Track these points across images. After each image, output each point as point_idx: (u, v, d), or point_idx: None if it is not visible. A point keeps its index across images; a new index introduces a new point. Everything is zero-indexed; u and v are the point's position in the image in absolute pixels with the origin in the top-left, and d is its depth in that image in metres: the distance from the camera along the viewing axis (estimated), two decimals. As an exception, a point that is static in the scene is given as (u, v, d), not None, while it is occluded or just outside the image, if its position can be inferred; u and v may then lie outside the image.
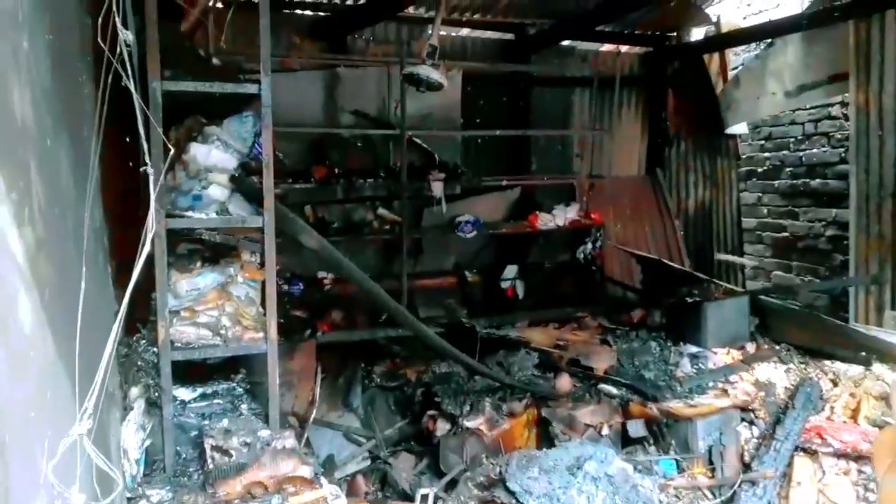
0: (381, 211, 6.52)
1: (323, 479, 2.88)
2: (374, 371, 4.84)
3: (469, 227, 6.57)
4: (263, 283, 3.16)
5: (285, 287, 5.73)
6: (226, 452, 2.63)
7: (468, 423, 4.08)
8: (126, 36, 1.65)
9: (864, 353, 4.51)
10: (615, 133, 7.50)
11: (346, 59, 6.43)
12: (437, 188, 6.45)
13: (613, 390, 4.36)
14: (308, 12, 6.32)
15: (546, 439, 4.14)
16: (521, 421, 4.20)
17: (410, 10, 6.11)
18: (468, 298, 6.67)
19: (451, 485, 3.88)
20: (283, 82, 6.14)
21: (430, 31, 4.87)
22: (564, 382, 4.44)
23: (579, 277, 7.01)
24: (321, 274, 6.04)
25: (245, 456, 2.65)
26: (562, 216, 6.90)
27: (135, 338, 3.01)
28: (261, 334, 3.05)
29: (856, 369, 4.41)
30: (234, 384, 3.26)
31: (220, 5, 5.42)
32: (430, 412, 4.23)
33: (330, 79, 6.47)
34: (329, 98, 6.52)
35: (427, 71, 4.24)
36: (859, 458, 3.61)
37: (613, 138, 7.50)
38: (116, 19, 1.62)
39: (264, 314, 3.09)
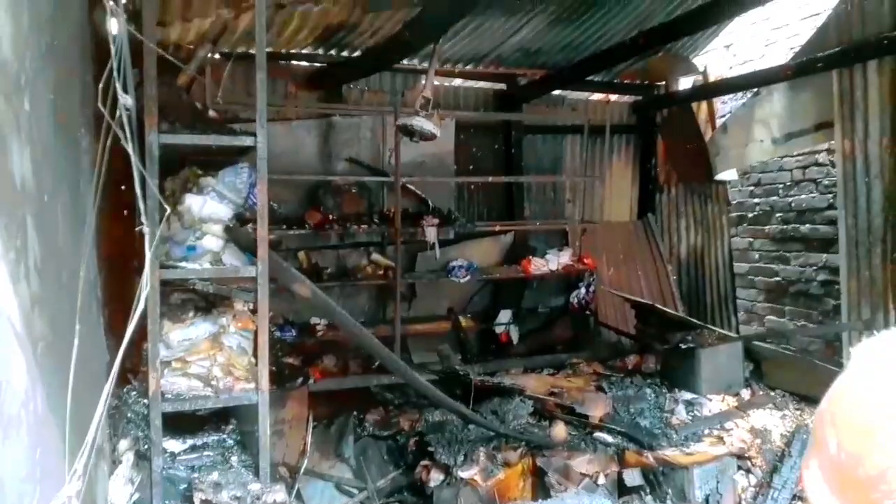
0: (375, 256, 6.55)
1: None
2: (366, 419, 4.79)
3: (462, 272, 6.60)
4: (256, 332, 3.16)
5: (278, 333, 5.71)
6: (215, 507, 2.59)
7: (462, 474, 4.02)
8: (126, 100, 1.69)
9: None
10: (606, 179, 7.61)
11: (341, 108, 6.54)
12: (431, 233, 6.49)
13: (609, 438, 4.32)
14: (304, 63, 6.45)
15: (542, 489, 4.09)
16: (516, 471, 4.15)
17: (404, 61, 6.25)
18: (462, 344, 6.65)
19: (445, 538, 3.82)
20: (280, 131, 6.25)
21: (423, 82, 4.98)
22: (559, 431, 4.39)
23: (573, 322, 7.02)
24: (314, 320, 6.03)
25: (234, 511, 2.61)
26: (555, 261, 6.94)
27: (125, 389, 2.99)
28: (252, 385, 3.04)
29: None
30: (225, 435, 3.22)
31: (217, 57, 5.59)
32: (424, 462, 4.18)
33: (325, 127, 6.57)
34: (324, 146, 6.61)
35: (420, 122, 4.32)
36: None
37: (605, 184, 7.61)
38: (117, 85, 1.67)
39: (256, 364, 3.08)
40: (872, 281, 5.56)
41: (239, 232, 3.37)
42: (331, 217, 6.21)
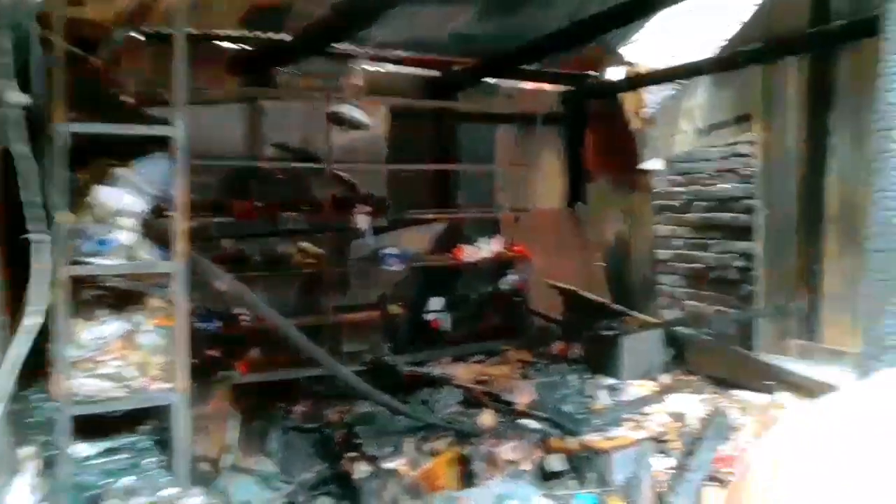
0: (304, 245, 6.44)
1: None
2: (293, 412, 4.73)
3: (394, 260, 6.58)
4: (174, 329, 3.06)
5: (199, 325, 5.57)
6: (127, 513, 2.51)
7: (389, 465, 4.03)
8: (20, 98, 1.59)
9: (768, 383, 4.73)
10: (538, 168, 7.71)
11: (270, 92, 6.38)
12: (363, 221, 6.44)
13: (534, 425, 4.41)
14: (232, 45, 6.24)
15: (468, 478, 4.13)
16: (443, 460, 4.18)
17: (338, 46, 6.13)
18: (393, 332, 6.65)
19: (372, 530, 3.82)
20: (204, 114, 6.04)
21: (356, 70, 4.90)
22: (487, 419, 4.46)
23: (504, 309, 7.11)
24: (239, 310, 5.90)
25: (149, 516, 2.53)
26: (486, 248, 7.01)
27: (29, 392, 2.85)
28: (169, 384, 2.95)
29: (762, 398, 4.61)
30: (142, 437, 3.12)
31: (139, 37, 5.34)
32: (351, 454, 4.17)
33: (253, 111, 6.39)
34: (251, 130, 6.44)
35: (350, 110, 4.26)
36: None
37: (536, 173, 7.70)
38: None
39: (174, 362, 2.99)
40: (786, 269, 5.85)
41: (155, 225, 3.25)
42: (257, 204, 6.07)
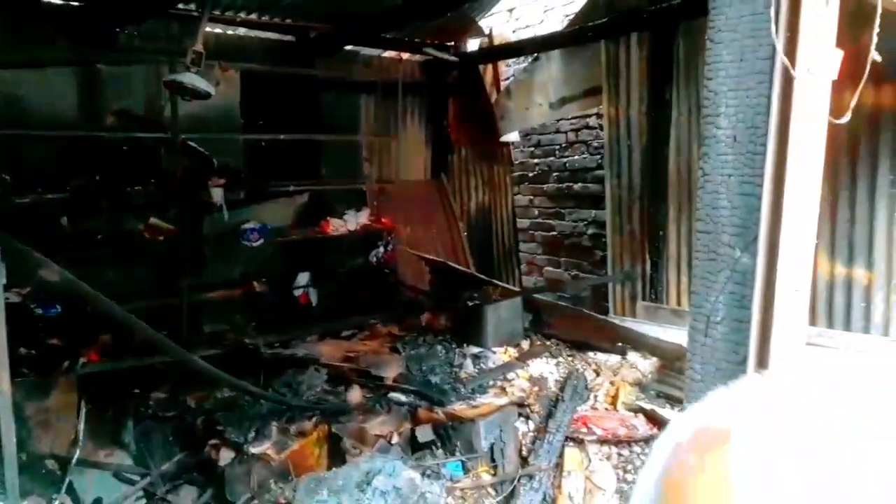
0: (154, 220, 6.01)
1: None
2: (149, 400, 4.45)
3: (255, 235, 6.33)
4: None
5: (39, 311, 5.08)
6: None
7: (254, 450, 3.91)
8: None
9: (620, 344, 5.07)
10: (401, 139, 7.66)
11: (107, 55, 5.83)
12: (218, 194, 6.10)
13: (402, 398, 4.45)
14: (64, 2, 5.61)
15: (338, 455, 4.11)
16: (311, 440, 4.12)
17: (181, 6, 5.69)
18: (258, 310, 6.41)
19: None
20: (32, 79, 5.44)
21: (199, 34, 4.57)
22: (355, 395, 4.44)
23: (372, 282, 7.07)
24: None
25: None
26: (353, 221, 6.91)
27: None
28: (-7, 385, 2.65)
29: (614, 359, 4.94)
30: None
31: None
32: (213, 441, 4.00)
33: (89, 76, 5.82)
34: (88, 97, 5.87)
35: (192, 79, 3.97)
36: (619, 442, 4.05)
37: (399, 144, 7.65)
38: None
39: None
40: (632, 235, 6.24)
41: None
42: (97, 178, 5.57)
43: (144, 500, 3.97)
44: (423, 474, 3.84)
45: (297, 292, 6.84)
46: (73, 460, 3.93)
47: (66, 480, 3.84)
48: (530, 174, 7.93)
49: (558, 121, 7.41)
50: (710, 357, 1.75)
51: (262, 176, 6.67)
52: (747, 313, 1.71)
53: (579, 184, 7.31)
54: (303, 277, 6.96)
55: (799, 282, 1.66)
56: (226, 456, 3.93)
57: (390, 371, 4.69)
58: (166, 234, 5.92)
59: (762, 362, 1.66)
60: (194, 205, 6.13)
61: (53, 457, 4.01)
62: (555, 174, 7.59)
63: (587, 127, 7.21)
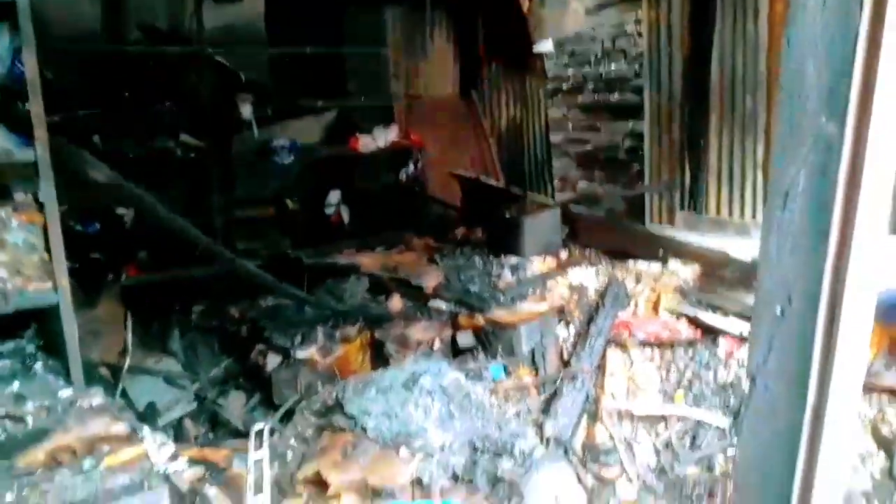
0: (184, 137, 5.97)
1: (146, 431, 2.65)
2: (192, 311, 4.52)
3: (286, 152, 6.27)
4: (45, 224, 2.75)
5: (78, 228, 5.12)
6: (20, 420, 2.31)
7: (300, 354, 3.98)
8: None
9: (660, 252, 5.00)
10: (429, 54, 7.44)
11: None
12: (247, 110, 6.03)
13: (443, 305, 4.46)
14: None
15: (381, 360, 4.16)
16: (355, 346, 4.17)
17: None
18: (291, 228, 6.43)
19: (287, 416, 3.79)
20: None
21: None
22: (396, 303, 4.46)
23: (404, 200, 7.02)
24: (120, 211, 5.46)
25: (45, 421, 2.34)
26: (382, 138, 6.81)
27: None
28: (48, 283, 2.67)
29: (654, 267, 4.87)
30: (24, 342, 2.85)
31: None
32: (259, 347, 4.06)
33: (112, -11, 5.68)
34: (112, 11, 5.73)
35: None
36: (661, 345, 4.03)
37: (428, 59, 7.43)
38: None
39: (49, 260, 2.70)
40: (671, 146, 6.06)
41: (7, 109, 2.84)
42: (126, 94, 5.51)
43: (196, 404, 4.08)
44: (465, 376, 3.88)
45: (329, 210, 6.83)
46: (125, 367, 4.03)
47: (119, 387, 3.95)
48: (564, 86, 7.67)
49: (594, 28, 7.10)
50: (787, 232, 1.65)
51: (288, 93, 6.55)
52: (830, 184, 1.59)
53: (616, 94, 7.05)
54: (334, 196, 6.93)
55: (889, 150, 1.53)
56: (272, 361, 4.00)
57: (429, 281, 4.69)
58: (196, 151, 5.88)
59: (845, 236, 1.56)
60: (224, 122, 6.06)
61: (105, 364, 4.11)
62: (590, 85, 7.33)
63: (625, 34, 6.90)
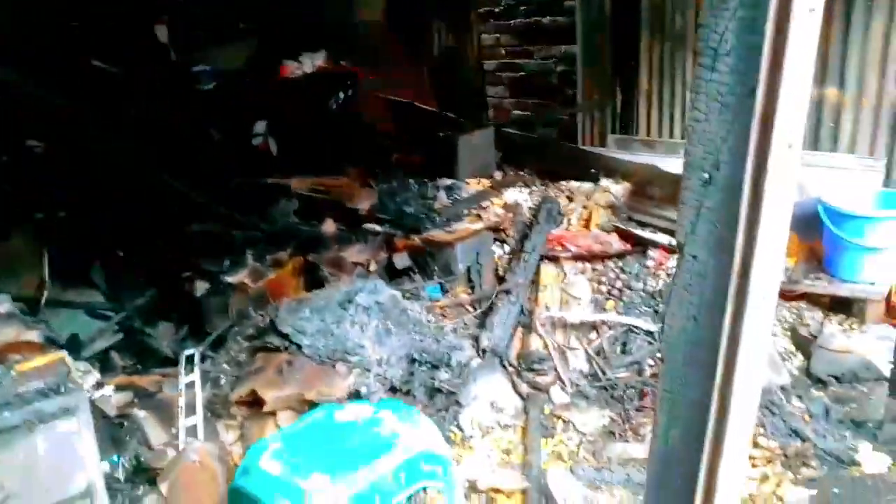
0: (96, 62, 5.57)
1: (67, 360, 2.53)
2: (117, 240, 4.31)
3: (208, 78, 5.96)
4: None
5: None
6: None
7: (230, 279, 3.86)
8: None
9: (592, 171, 5.04)
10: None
11: None
12: (163, 34, 5.67)
13: (378, 228, 4.40)
14: None
15: (316, 284, 4.09)
16: (287, 270, 4.08)
17: None
18: (214, 157, 6.15)
19: (220, 343, 3.71)
20: None
21: None
22: (329, 226, 4.36)
23: (335, 128, 6.80)
24: (32, 143, 5.10)
25: (-51, 337, 2.19)
26: (309, 63, 6.55)
27: None
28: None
29: (587, 185, 4.92)
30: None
31: None
32: (186, 273, 3.92)
33: None
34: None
35: None
36: (593, 258, 4.10)
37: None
38: None
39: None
40: (603, 69, 6.06)
41: None
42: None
43: (122, 335, 3.93)
44: (402, 297, 3.86)
45: (257, 140, 6.57)
46: (42, 300, 3.83)
47: (39, 319, 3.76)
48: (496, 10, 7.53)
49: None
50: (716, 93, 1.63)
51: (206, 15, 6.17)
52: (759, 39, 1.57)
53: (547, 17, 6.97)
54: (260, 125, 6.66)
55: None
56: (201, 287, 3.87)
57: (363, 203, 4.60)
58: (111, 78, 5.52)
59: (773, 91, 1.55)
60: (138, 46, 5.69)
61: (21, 299, 3.90)
62: (522, 8, 7.21)
63: (556, -46, 6.77)
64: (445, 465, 1.97)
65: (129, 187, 4.31)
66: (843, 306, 3.85)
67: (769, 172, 1.40)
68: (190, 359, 3.43)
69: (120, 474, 2.81)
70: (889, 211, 3.62)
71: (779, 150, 1.38)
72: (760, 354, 1.61)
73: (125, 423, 2.95)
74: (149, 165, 5.45)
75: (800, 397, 3.35)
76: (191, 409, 3.09)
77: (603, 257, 4.08)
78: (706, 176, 1.54)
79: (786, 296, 3.97)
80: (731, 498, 1.69)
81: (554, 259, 4.11)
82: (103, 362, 3.71)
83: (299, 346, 3.24)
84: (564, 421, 3.23)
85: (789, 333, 3.85)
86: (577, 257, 4.08)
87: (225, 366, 3.55)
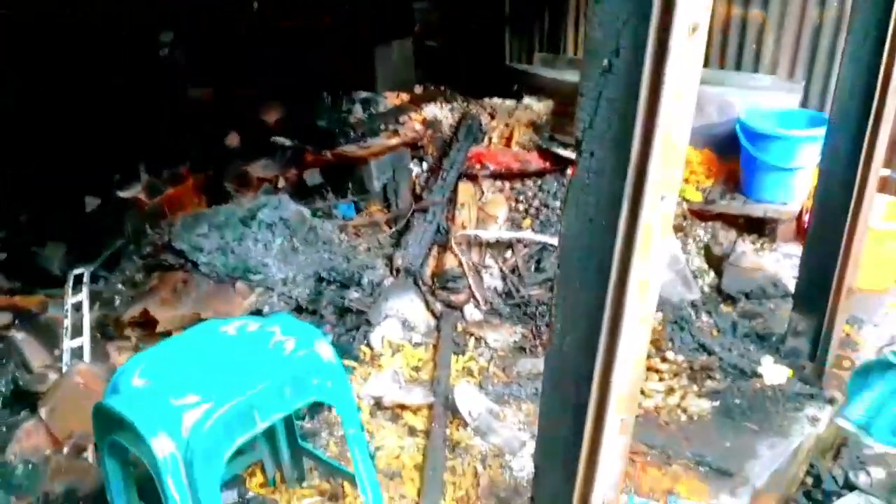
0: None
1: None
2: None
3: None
4: None
5: None
6: None
7: (123, 194, 3.57)
8: None
9: (515, 88, 4.88)
10: None
11: None
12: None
13: (287, 142, 4.14)
14: None
15: (218, 201, 3.83)
16: (187, 185, 3.81)
17: None
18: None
19: (115, 262, 3.46)
20: None
21: None
22: (233, 139, 4.08)
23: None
24: None
25: None
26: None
27: None
28: None
29: (509, 103, 4.76)
30: None
31: None
32: (74, 188, 3.60)
33: None
34: None
35: None
36: (512, 176, 3.99)
37: None
38: None
39: None
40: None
41: None
42: None
43: (4, 255, 3.60)
44: (313, 215, 3.67)
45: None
46: None
47: None
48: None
49: None
50: None
51: None
52: None
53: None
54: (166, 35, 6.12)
55: None
56: (91, 202, 3.57)
57: (270, 115, 4.32)
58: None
59: None
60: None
61: None
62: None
63: None
64: (338, 381, 1.87)
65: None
66: (756, 226, 3.91)
67: (670, 59, 1.28)
68: (79, 278, 3.19)
69: (-6, 399, 2.61)
70: (805, 131, 3.63)
71: (681, 34, 1.26)
72: (657, 257, 1.53)
73: (1, 346, 2.73)
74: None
75: (709, 313, 3.40)
76: (77, 332, 2.88)
77: (522, 176, 3.98)
78: (605, 63, 1.41)
79: (702, 215, 4.00)
80: (625, 404, 1.64)
81: (472, 177, 3.98)
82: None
83: (196, 264, 3.04)
84: (477, 338, 3.19)
85: (703, 252, 3.89)
86: (496, 175, 3.97)
87: (119, 286, 3.32)
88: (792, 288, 3.21)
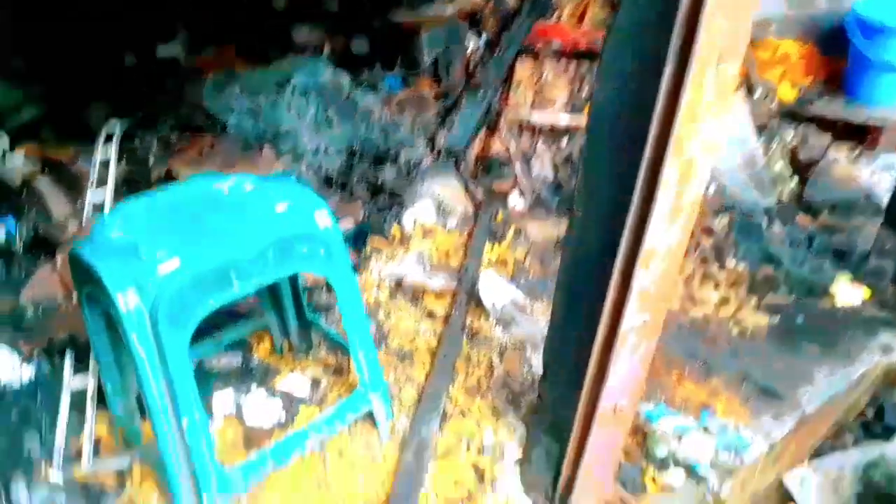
0: None
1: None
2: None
3: None
4: None
5: None
6: None
7: (163, 53, 3.41)
8: None
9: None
10: None
11: None
12: None
13: (334, 6, 3.83)
14: None
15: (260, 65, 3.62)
16: (229, 47, 3.61)
17: None
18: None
19: (152, 122, 3.34)
20: None
21: None
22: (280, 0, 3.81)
23: None
24: None
25: None
26: None
27: None
28: None
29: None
30: None
31: None
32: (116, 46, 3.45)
33: None
34: None
35: None
36: (578, 56, 3.57)
37: None
38: None
39: None
40: None
41: None
42: None
43: (45, 108, 3.54)
44: (356, 86, 3.42)
45: None
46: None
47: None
48: None
49: None
50: None
51: None
52: None
53: None
54: None
55: None
56: (130, 60, 3.43)
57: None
58: None
59: None
60: None
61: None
62: None
63: None
64: (334, 252, 1.68)
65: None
66: (855, 133, 3.40)
67: None
68: (109, 137, 3.10)
69: (17, 243, 2.60)
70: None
71: None
72: (709, 136, 1.23)
73: (24, 192, 2.69)
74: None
75: (784, 223, 3.03)
76: (102, 181, 2.80)
77: (591, 56, 3.55)
78: None
79: (794, 116, 3.51)
80: (650, 302, 1.39)
81: (534, 54, 3.58)
82: (25, 133, 3.38)
83: (224, 127, 2.87)
84: (517, 230, 2.94)
85: (788, 156, 3.44)
86: (560, 54, 3.55)
87: (154, 145, 3.22)
88: (885, 203, 2.80)
